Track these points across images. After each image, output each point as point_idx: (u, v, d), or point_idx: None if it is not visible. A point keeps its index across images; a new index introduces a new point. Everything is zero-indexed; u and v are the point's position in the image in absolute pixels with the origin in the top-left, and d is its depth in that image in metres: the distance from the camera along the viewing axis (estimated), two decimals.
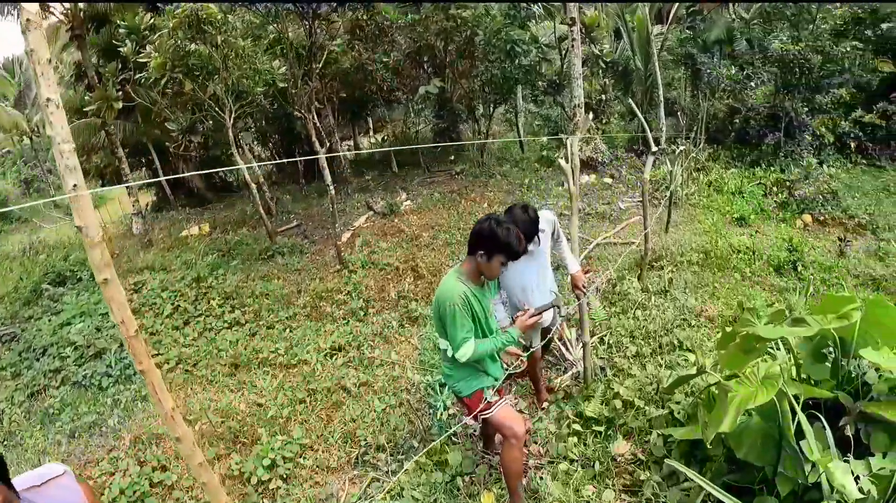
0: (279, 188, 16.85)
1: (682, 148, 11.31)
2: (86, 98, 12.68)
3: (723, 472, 3.28)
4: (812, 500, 2.78)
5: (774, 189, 11.49)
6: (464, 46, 12.92)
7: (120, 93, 12.37)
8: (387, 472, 4.33)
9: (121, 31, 11.07)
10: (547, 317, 4.24)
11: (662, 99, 12.13)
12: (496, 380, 3.48)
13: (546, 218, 4.31)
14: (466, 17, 11.98)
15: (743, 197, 11.23)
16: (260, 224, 11.40)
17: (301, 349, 6.75)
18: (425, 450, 4.13)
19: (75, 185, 1.61)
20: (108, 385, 6.62)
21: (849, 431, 2.87)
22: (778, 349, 3.68)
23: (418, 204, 12.02)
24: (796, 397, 2.85)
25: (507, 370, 3.69)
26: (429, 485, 3.97)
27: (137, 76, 10.55)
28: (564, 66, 14.92)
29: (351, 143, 21.62)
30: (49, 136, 1.58)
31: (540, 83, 14.43)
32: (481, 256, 3.13)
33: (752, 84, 14.29)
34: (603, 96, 15.19)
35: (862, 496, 2.53)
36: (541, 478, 3.89)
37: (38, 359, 7.36)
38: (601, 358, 5.45)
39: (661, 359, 5.26)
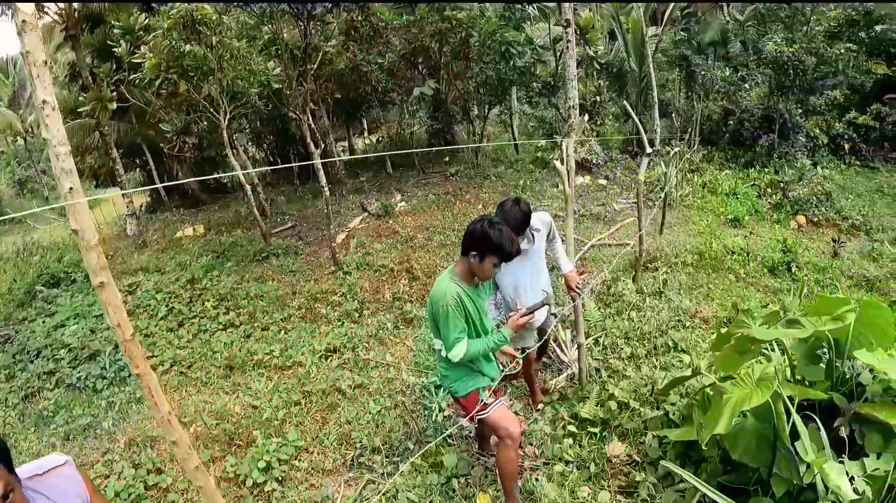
0: (273, 189, 16.79)
1: (676, 149, 11.31)
2: (80, 98, 12.62)
3: (718, 473, 3.29)
4: (807, 501, 2.79)
5: (768, 190, 11.54)
6: (458, 48, 12.91)
7: (114, 93, 12.31)
8: (382, 474, 4.32)
9: (115, 31, 11.04)
10: (540, 317, 4.24)
11: (657, 100, 12.15)
12: (492, 380, 3.48)
13: (541, 218, 4.31)
14: (461, 19, 11.98)
15: (737, 198, 11.27)
16: (254, 225, 11.37)
17: (296, 351, 6.74)
18: (421, 452, 4.13)
19: (71, 188, 1.60)
20: (103, 387, 6.58)
21: (843, 432, 2.89)
22: (772, 350, 3.69)
23: (413, 205, 12.01)
24: (791, 398, 2.86)
25: (503, 371, 3.69)
26: (424, 487, 3.97)
27: (132, 77, 10.53)
28: (559, 68, 14.92)
29: (345, 144, 21.60)
30: (45, 138, 1.57)
31: (534, 85, 14.44)
32: (474, 257, 3.14)
33: (747, 85, 14.36)
34: (597, 98, 15.22)
35: (857, 497, 2.54)
36: (536, 480, 3.89)
37: (31, 362, 7.32)
38: (596, 359, 5.46)
39: (656, 360, 5.28)
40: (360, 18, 12.23)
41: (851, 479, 2.63)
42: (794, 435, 2.78)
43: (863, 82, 13.93)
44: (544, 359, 5.60)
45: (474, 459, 4.26)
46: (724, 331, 3.32)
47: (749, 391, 2.83)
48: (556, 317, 3.69)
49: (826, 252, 8.61)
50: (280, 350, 6.81)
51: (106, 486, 4.58)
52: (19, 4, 1.49)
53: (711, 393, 3.29)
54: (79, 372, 6.87)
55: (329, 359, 6.49)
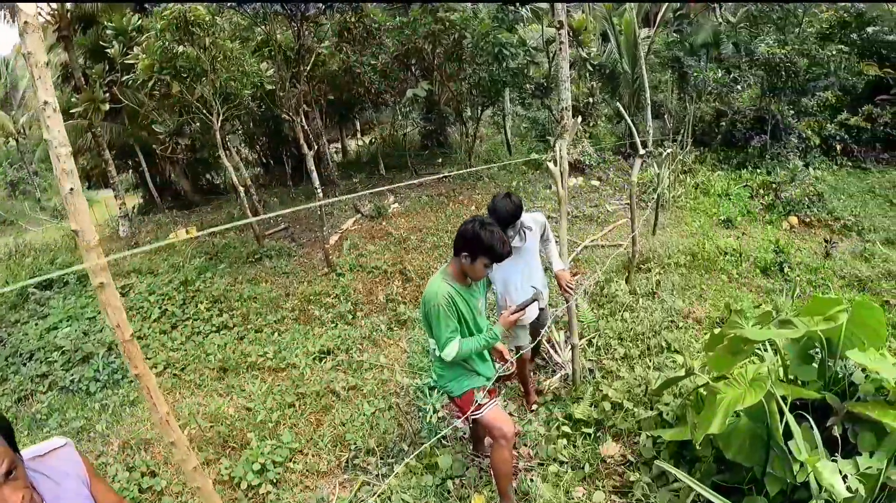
0: (266, 191, 16.77)
1: (669, 150, 11.37)
2: (73, 99, 12.58)
3: (712, 473, 3.30)
4: (801, 500, 2.80)
5: (761, 191, 11.59)
6: (452, 49, 12.92)
7: (107, 94, 12.29)
8: (377, 476, 4.32)
9: (108, 32, 11.00)
10: (531, 313, 4.24)
11: (649, 102, 12.19)
12: (487, 380, 3.49)
13: (535, 219, 4.33)
14: (454, 20, 11.99)
15: (729, 199, 11.31)
16: (247, 227, 11.36)
17: (290, 353, 6.73)
18: (415, 453, 4.13)
19: (72, 189, 1.60)
20: (96, 390, 6.56)
21: (836, 431, 2.90)
22: (765, 350, 3.71)
23: (406, 207, 12.02)
24: (784, 398, 2.88)
25: (498, 370, 3.70)
26: (419, 488, 3.97)
27: (124, 78, 10.47)
28: (552, 69, 14.98)
29: (339, 145, 21.60)
30: (46, 139, 1.57)
31: (527, 86, 14.46)
32: (465, 258, 3.15)
33: (739, 87, 14.43)
34: (590, 99, 15.25)
35: (850, 495, 2.56)
36: (531, 481, 3.90)
37: (24, 364, 7.28)
38: (590, 360, 5.47)
39: (650, 361, 5.29)
40: (353, 20, 12.21)
41: (844, 478, 2.64)
42: (788, 434, 2.79)
43: (854, 84, 14.01)
44: (538, 361, 5.61)
45: (469, 460, 4.26)
46: (717, 331, 3.33)
47: (742, 391, 2.84)
48: (542, 310, 3.70)
49: (818, 252, 8.65)
50: (274, 352, 6.80)
51: None
52: (21, 5, 1.48)
53: (705, 393, 3.30)
54: (72, 374, 6.85)
55: (323, 361, 6.49)
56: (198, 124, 11.91)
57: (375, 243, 10.01)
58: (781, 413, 2.81)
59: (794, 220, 10.24)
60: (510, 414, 4.76)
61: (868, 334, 2.98)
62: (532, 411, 4.83)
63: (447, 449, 4.39)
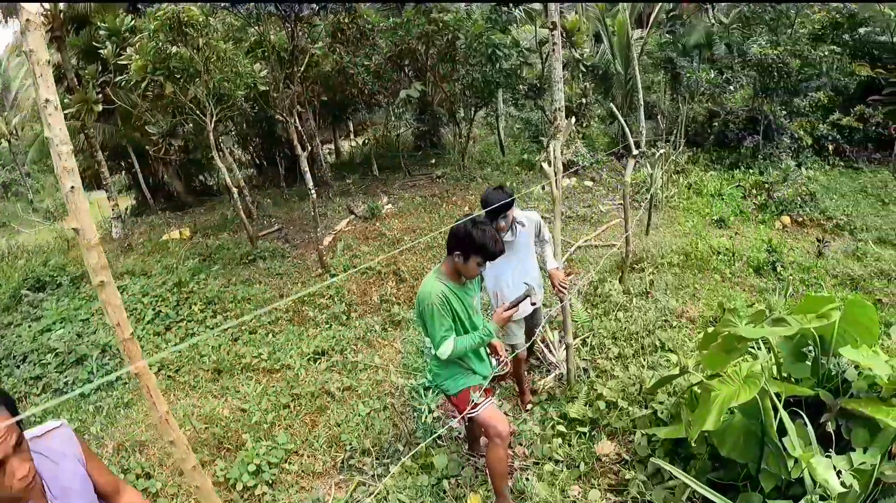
0: (260, 192, 16.72)
1: (661, 151, 11.40)
2: (65, 100, 12.51)
3: (707, 470, 3.32)
4: (795, 495, 2.82)
5: (753, 191, 11.64)
6: (445, 50, 12.92)
7: (100, 95, 12.21)
8: (373, 476, 4.32)
9: (101, 32, 10.94)
10: (524, 310, 4.25)
11: (642, 102, 12.24)
12: (483, 378, 3.50)
13: (529, 216, 4.35)
14: (448, 21, 11.99)
15: (722, 199, 11.36)
16: (241, 228, 11.32)
17: (284, 354, 6.71)
18: (411, 453, 4.13)
19: (73, 187, 1.60)
20: (90, 392, 6.53)
21: (830, 428, 2.93)
22: (759, 349, 3.73)
23: (399, 207, 12.01)
24: (778, 395, 2.90)
25: (494, 369, 3.71)
26: (415, 488, 3.97)
27: (118, 78, 10.43)
28: (545, 70, 15.00)
29: (332, 146, 21.58)
30: (47, 137, 1.57)
31: (521, 87, 14.48)
32: (458, 257, 3.16)
33: (731, 88, 14.48)
34: (583, 100, 15.29)
35: (844, 490, 2.58)
36: (527, 479, 3.91)
37: (18, 367, 7.23)
38: (584, 359, 5.49)
39: (644, 360, 5.31)
40: (346, 21, 12.21)
41: (839, 473, 2.66)
42: (782, 430, 2.81)
43: (846, 84, 14.10)
44: (532, 361, 5.62)
45: (464, 460, 4.27)
46: (710, 330, 3.35)
47: (737, 388, 2.86)
48: (534, 305, 3.70)
49: (811, 252, 8.71)
50: (268, 353, 6.78)
51: None
52: (24, 4, 1.48)
53: (699, 391, 3.32)
54: (66, 377, 6.82)
55: (317, 362, 6.48)
56: (191, 125, 11.89)
57: (369, 244, 10.00)
58: (775, 409, 2.83)
59: (786, 219, 10.30)
60: (505, 413, 4.77)
61: (861, 332, 3.00)
62: (527, 410, 4.85)
63: (443, 448, 4.40)
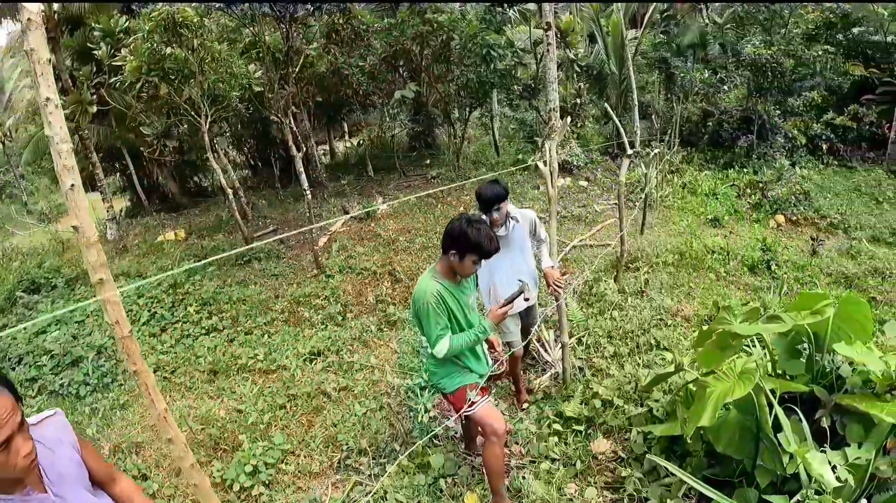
0: (255, 193, 16.70)
1: (656, 151, 11.42)
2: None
3: (703, 466, 3.33)
4: (791, 491, 2.83)
5: (748, 190, 11.69)
6: (440, 51, 12.93)
7: (94, 96, 12.19)
8: (369, 476, 4.32)
9: (96, 34, 10.92)
10: (518, 306, 4.24)
11: (637, 102, 12.24)
12: (480, 376, 3.51)
13: (524, 214, 4.36)
14: (442, 22, 12.01)
15: (717, 198, 11.40)
16: (236, 229, 11.32)
17: (280, 354, 6.71)
18: (407, 452, 4.13)
19: (73, 185, 1.61)
20: (86, 394, 6.51)
21: (824, 423, 2.94)
22: (753, 346, 3.75)
23: (394, 208, 12.02)
24: (773, 391, 2.91)
25: (491, 367, 3.71)
26: (412, 487, 3.97)
27: (112, 80, 10.40)
28: (539, 71, 15.01)
29: (327, 147, 21.57)
30: (48, 135, 1.58)
31: (515, 87, 14.50)
32: (453, 256, 3.17)
33: (725, 87, 14.54)
34: (578, 100, 15.30)
35: (839, 484, 2.60)
36: (523, 478, 3.92)
37: (13, 369, 7.21)
38: (579, 358, 5.50)
39: (639, 358, 5.33)
40: (341, 21, 12.21)
41: (834, 468, 2.68)
42: (777, 426, 2.82)
43: (840, 84, 14.15)
44: (528, 360, 5.64)
45: (461, 459, 4.27)
46: (705, 328, 3.37)
47: (731, 384, 2.87)
48: (528, 301, 3.71)
49: (805, 250, 8.74)
50: (264, 354, 6.78)
51: None
52: (25, 4, 1.49)
53: (694, 388, 3.33)
54: (61, 378, 6.79)
55: (313, 363, 6.47)
56: (185, 126, 11.87)
57: (364, 245, 10.00)
58: (770, 406, 2.84)
59: (780, 218, 10.34)
60: (502, 412, 4.78)
61: (855, 328, 3.02)
62: (523, 409, 4.86)
63: (439, 448, 4.40)
